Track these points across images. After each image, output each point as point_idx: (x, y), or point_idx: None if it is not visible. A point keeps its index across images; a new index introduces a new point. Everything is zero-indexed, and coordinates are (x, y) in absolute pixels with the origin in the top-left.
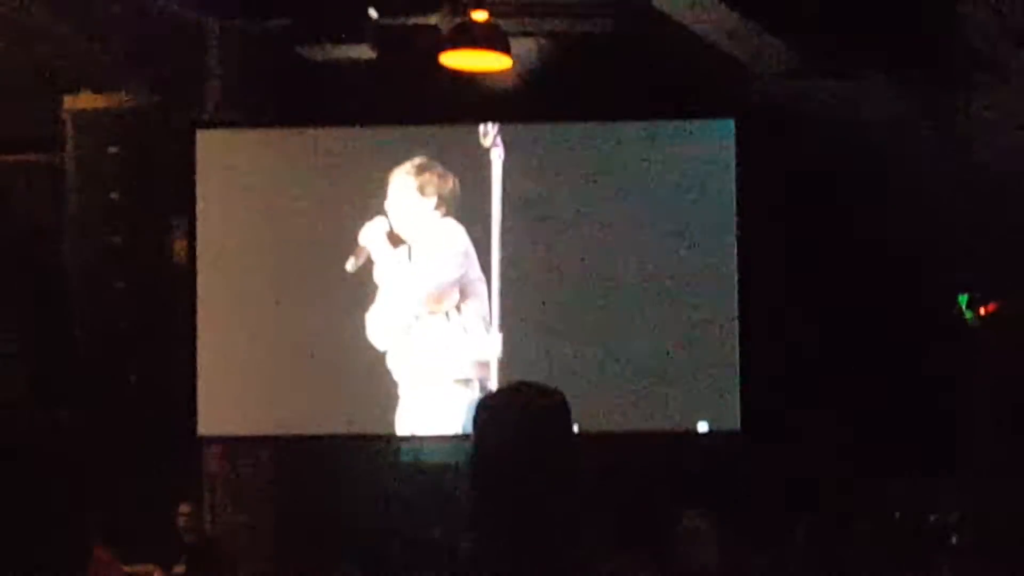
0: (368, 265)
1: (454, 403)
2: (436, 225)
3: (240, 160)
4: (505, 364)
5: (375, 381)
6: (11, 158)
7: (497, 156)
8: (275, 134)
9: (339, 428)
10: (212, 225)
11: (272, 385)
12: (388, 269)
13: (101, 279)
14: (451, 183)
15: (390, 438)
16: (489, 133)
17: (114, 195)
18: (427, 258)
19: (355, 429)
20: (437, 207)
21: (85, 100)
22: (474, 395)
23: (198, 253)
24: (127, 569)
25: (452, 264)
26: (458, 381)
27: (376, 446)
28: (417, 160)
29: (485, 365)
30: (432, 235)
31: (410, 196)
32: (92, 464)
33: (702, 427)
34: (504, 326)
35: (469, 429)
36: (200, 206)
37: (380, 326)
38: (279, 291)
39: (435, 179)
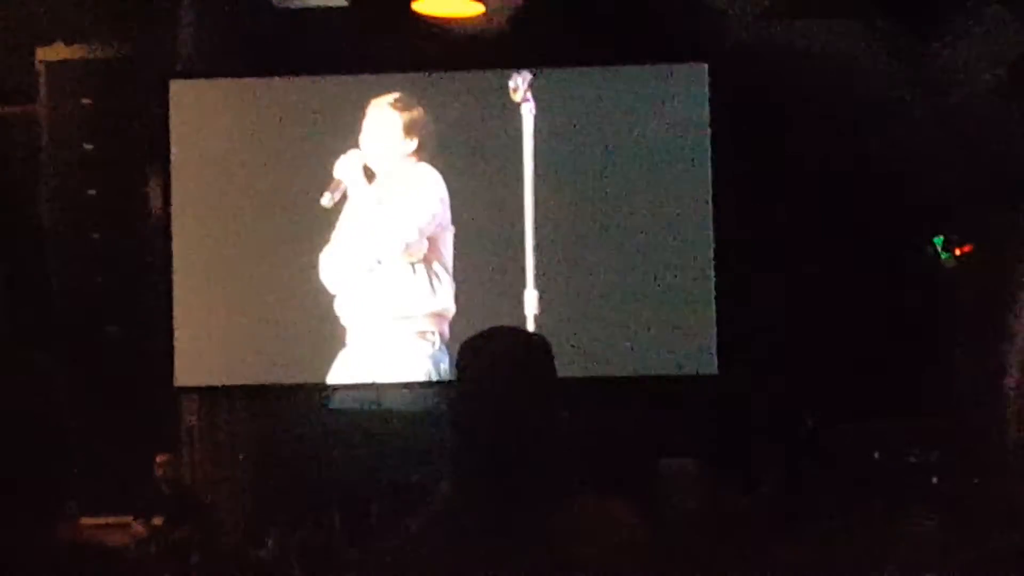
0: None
1: (410, 353)
2: (412, 169)
3: (214, 110)
4: (540, 317)
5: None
6: None
7: (528, 111)
8: (248, 83)
9: (319, 377)
10: (187, 175)
11: (250, 335)
12: (359, 206)
13: (76, 230)
14: (428, 123)
15: (369, 386)
16: (520, 88)
17: (88, 146)
18: (400, 203)
19: (337, 378)
20: (415, 150)
21: (58, 51)
22: (431, 347)
23: (173, 203)
24: (106, 520)
25: (426, 213)
26: (417, 332)
27: (355, 394)
28: (396, 94)
29: (443, 317)
30: (407, 180)
31: (388, 132)
32: (69, 416)
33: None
34: (539, 283)
35: (434, 376)
36: (174, 156)
37: (337, 267)
38: (255, 239)
39: (415, 117)
